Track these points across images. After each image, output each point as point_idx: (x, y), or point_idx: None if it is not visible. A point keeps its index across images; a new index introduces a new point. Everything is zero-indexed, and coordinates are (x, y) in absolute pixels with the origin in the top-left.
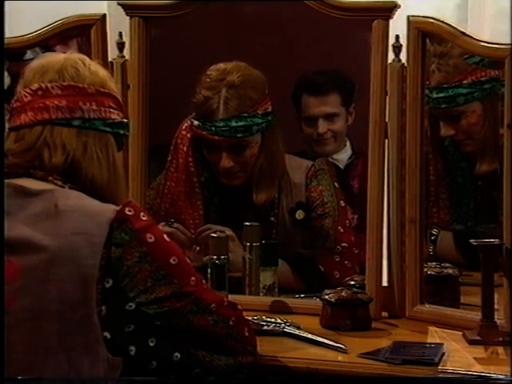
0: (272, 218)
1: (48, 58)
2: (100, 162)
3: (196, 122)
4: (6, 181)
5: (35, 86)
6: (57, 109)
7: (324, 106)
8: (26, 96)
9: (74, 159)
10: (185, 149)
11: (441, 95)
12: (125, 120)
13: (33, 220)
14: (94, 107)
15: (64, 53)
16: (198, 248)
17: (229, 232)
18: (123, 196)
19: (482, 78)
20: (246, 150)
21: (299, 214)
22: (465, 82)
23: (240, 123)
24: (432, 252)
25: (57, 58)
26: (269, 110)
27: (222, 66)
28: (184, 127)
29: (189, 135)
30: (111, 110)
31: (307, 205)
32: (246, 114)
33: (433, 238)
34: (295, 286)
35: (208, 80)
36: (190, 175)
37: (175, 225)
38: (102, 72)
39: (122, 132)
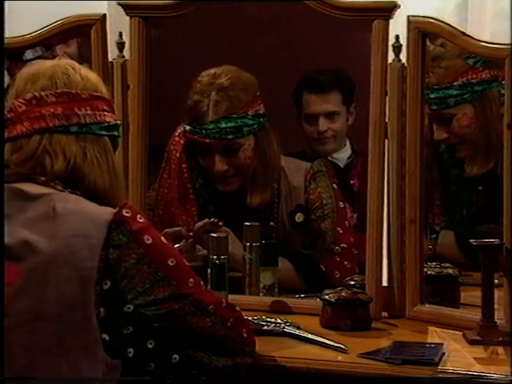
0: (271, 223)
1: (37, 66)
2: (101, 167)
3: (188, 127)
4: (5, 184)
5: (29, 95)
6: (53, 116)
7: (325, 104)
8: (20, 106)
9: (75, 165)
10: (178, 155)
11: (432, 96)
12: (118, 122)
13: (31, 223)
14: (89, 112)
15: (53, 58)
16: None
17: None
18: (123, 198)
19: (473, 80)
20: (239, 153)
21: (299, 217)
22: (455, 83)
23: (230, 124)
24: (432, 250)
25: (46, 65)
26: (260, 111)
27: (212, 70)
28: (177, 134)
29: (182, 141)
30: (105, 113)
31: (306, 207)
32: (235, 115)
33: (434, 236)
34: (296, 284)
35: (198, 85)
36: (184, 181)
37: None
38: (93, 76)
39: (116, 134)
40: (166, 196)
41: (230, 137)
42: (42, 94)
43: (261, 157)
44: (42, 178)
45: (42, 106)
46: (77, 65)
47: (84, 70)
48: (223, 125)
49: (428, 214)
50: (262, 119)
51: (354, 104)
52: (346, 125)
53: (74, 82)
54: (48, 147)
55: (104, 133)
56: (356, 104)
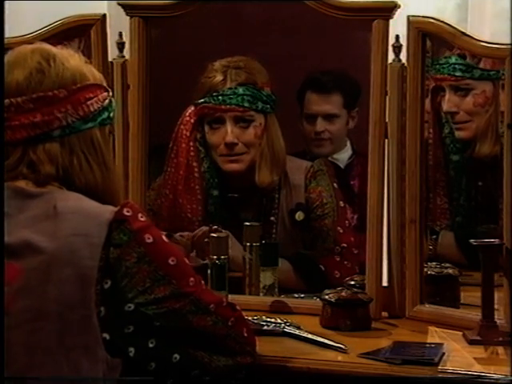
0: (272, 218)
1: (14, 56)
2: (90, 166)
3: (201, 100)
4: (5, 183)
5: (6, 102)
6: (33, 126)
7: (325, 104)
8: None
9: (64, 170)
10: (188, 133)
11: (460, 62)
12: (106, 102)
13: (32, 222)
14: (71, 110)
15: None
16: (194, 252)
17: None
18: (119, 190)
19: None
20: (250, 128)
21: (299, 216)
22: None
23: (247, 92)
24: (433, 250)
25: (21, 54)
26: (272, 95)
27: (226, 58)
28: (188, 113)
29: (192, 120)
30: (88, 102)
31: (307, 206)
32: (252, 86)
33: (434, 236)
34: (296, 285)
35: (214, 66)
36: (190, 160)
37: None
38: (70, 62)
39: (106, 115)
40: (172, 175)
41: (246, 105)
42: (19, 100)
43: (268, 141)
44: (38, 176)
45: (20, 114)
46: (52, 52)
47: (61, 57)
48: (241, 91)
49: (430, 207)
50: (273, 103)
51: (356, 108)
52: (346, 128)
53: (49, 79)
54: (32, 156)
55: (90, 125)
56: (359, 109)
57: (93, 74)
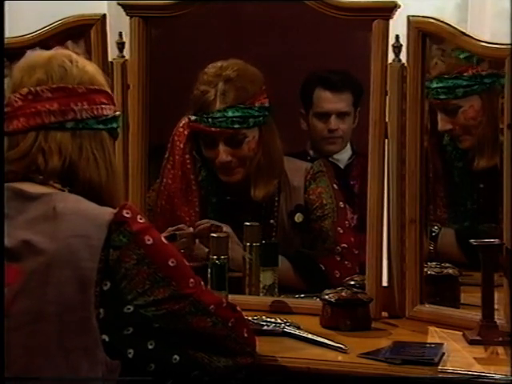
0: (272, 221)
1: (34, 58)
2: (97, 163)
3: (193, 117)
4: (5, 184)
5: (25, 90)
6: (49, 113)
7: (339, 102)
8: (16, 101)
9: (71, 162)
10: (181, 146)
11: (440, 85)
12: (117, 113)
13: (32, 223)
14: (86, 106)
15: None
16: (197, 241)
17: (226, 228)
18: (120, 193)
19: (483, 72)
20: (244, 145)
21: (298, 217)
22: (465, 74)
23: (237, 114)
24: (433, 249)
25: (43, 57)
26: (266, 104)
27: (218, 63)
28: (181, 125)
29: (186, 132)
30: (103, 106)
31: (306, 207)
32: (242, 106)
33: (434, 234)
34: (296, 284)
35: (205, 76)
36: (187, 172)
37: (178, 234)
38: (90, 67)
39: (115, 126)
40: (169, 187)
41: (236, 126)
42: (38, 89)
43: (264, 150)
44: (40, 177)
45: (37, 102)
46: (74, 56)
47: (81, 62)
48: (230, 114)
49: (430, 208)
50: (267, 112)
51: (359, 108)
52: (351, 127)
53: (71, 76)
54: (43, 144)
55: (101, 127)
56: (361, 108)
57: (108, 85)
